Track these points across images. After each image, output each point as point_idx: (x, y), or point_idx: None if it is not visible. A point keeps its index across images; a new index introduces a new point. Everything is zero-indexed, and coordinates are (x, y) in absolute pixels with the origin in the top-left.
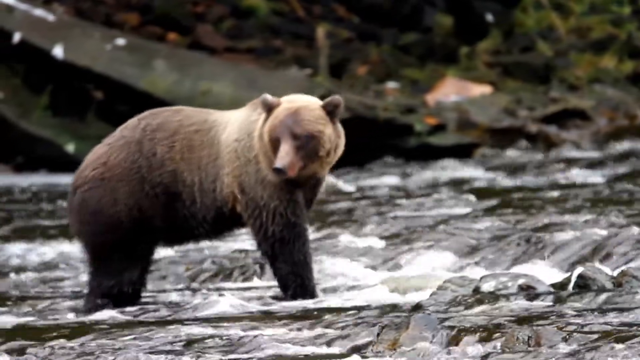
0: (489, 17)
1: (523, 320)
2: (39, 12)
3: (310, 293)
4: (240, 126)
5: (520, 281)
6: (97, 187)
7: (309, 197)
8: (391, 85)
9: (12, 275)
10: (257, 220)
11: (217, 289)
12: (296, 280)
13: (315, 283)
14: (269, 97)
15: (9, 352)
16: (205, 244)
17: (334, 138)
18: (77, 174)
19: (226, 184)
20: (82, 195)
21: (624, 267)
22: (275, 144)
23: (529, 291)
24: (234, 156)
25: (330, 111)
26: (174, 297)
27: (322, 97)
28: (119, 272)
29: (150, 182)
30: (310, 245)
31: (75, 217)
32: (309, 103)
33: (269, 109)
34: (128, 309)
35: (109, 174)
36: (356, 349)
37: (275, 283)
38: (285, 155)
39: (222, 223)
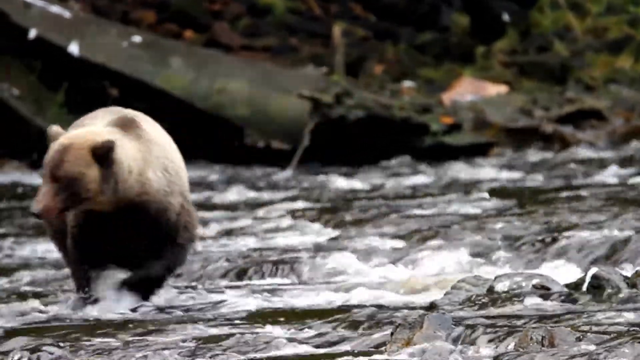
0: (506, 17)
1: (537, 320)
2: (55, 8)
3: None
4: None
5: (535, 281)
6: None
7: (128, 226)
8: (407, 84)
9: (27, 271)
10: None
11: (231, 288)
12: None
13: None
14: (54, 128)
15: (25, 350)
16: (219, 242)
17: (101, 179)
18: None
19: None
20: None
21: (638, 268)
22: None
23: (543, 291)
24: None
25: (100, 155)
26: (188, 295)
27: (337, 96)
28: None
29: None
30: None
31: None
32: (76, 140)
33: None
34: (141, 308)
35: None
36: (370, 348)
37: (289, 281)
38: (41, 199)
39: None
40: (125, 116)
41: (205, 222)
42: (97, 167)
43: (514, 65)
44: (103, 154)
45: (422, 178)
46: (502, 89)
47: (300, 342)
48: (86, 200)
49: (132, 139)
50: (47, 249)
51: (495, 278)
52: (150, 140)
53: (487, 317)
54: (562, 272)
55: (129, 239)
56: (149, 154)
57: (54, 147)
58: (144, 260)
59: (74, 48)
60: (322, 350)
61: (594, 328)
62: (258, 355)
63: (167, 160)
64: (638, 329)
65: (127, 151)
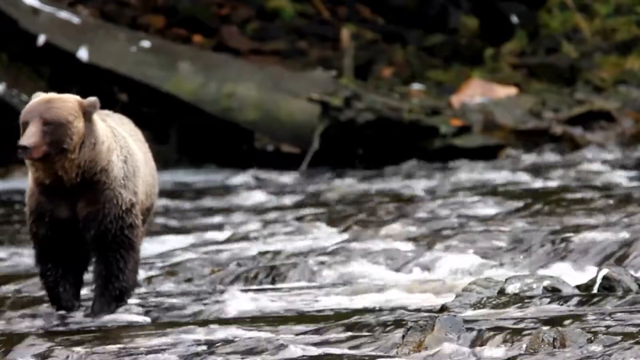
0: (514, 19)
1: (548, 321)
2: (64, 14)
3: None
4: None
5: (545, 283)
6: None
7: (85, 211)
8: (416, 86)
9: (36, 277)
10: None
11: (242, 291)
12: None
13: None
14: (38, 93)
15: (35, 356)
16: (230, 245)
17: (83, 134)
18: None
19: None
20: None
21: None
22: (24, 127)
23: (554, 293)
24: None
25: (86, 111)
26: (198, 299)
27: (347, 99)
28: None
29: None
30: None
31: None
32: (64, 96)
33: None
34: (152, 312)
35: None
36: (381, 351)
37: (299, 284)
38: (31, 135)
39: None
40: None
41: (216, 226)
42: (83, 121)
43: (523, 67)
44: (90, 110)
45: (432, 180)
46: (512, 90)
47: (311, 345)
48: (65, 152)
49: (102, 121)
50: None
51: (506, 280)
52: (116, 129)
53: (498, 319)
54: (573, 273)
55: (79, 225)
56: (114, 141)
57: (41, 97)
58: (96, 254)
59: (82, 53)
60: (332, 354)
61: (605, 329)
62: (268, 358)
63: (129, 155)
64: None
65: (101, 124)
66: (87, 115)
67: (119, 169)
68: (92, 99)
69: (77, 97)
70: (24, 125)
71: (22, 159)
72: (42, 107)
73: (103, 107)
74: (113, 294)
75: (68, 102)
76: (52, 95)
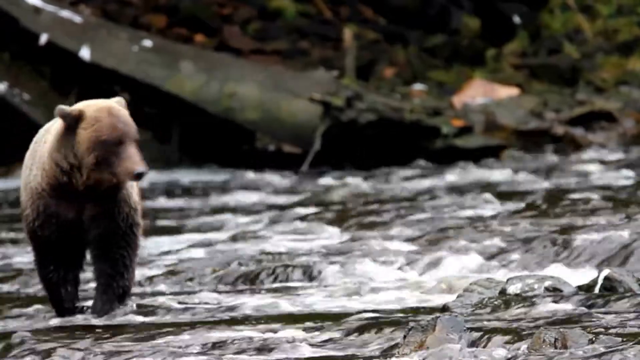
0: (516, 19)
1: (549, 322)
2: (65, 13)
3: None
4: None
5: (547, 283)
6: None
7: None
8: (418, 87)
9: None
10: None
11: (243, 291)
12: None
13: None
14: (62, 107)
15: (35, 356)
16: (232, 246)
17: None
18: None
19: None
20: None
21: None
22: (111, 148)
23: (555, 293)
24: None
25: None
26: (200, 299)
27: (348, 99)
28: None
29: None
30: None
31: None
32: (117, 105)
33: (78, 117)
34: (152, 312)
35: None
36: (382, 351)
37: (301, 284)
38: (141, 161)
39: None
40: None
41: (217, 226)
42: None
43: (524, 68)
44: None
45: (433, 181)
46: (513, 91)
47: (312, 345)
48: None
49: None
50: None
51: (508, 280)
52: None
53: (500, 320)
54: (574, 274)
55: (83, 225)
56: None
57: (120, 111)
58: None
59: (84, 53)
60: (334, 353)
61: (607, 330)
62: (269, 357)
63: None
64: None
65: None
66: None
67: None
68: (119, 99)
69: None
70: (115, 144)
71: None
72: (131, 126)
73: None
74: (117, 292)
75: (126, 113)
76: (117, 106)
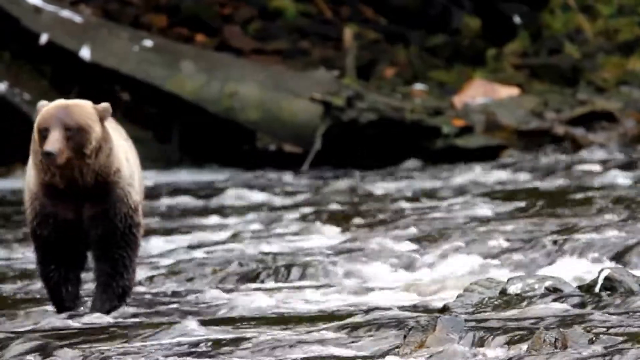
0: (517, 19)
1: (550, 322)
2: (66, 13)
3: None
4: None
5: (547, 283)
6: None
7: (90, 213)
8: (418, 87)
9: (37, 277)
10: None
11: (244, 291)
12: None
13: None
14: (43, 102)
15: (35, 354)
16: (232, 246)
17: (101, 139)
18: None
19: None
20: None
21: None
22: (44, 134)
23: (555, 293)
24: None
25: (102, 116)
26: (200, 298)
27: (349, 99)
28: None
29: None
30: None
31: None
32: (80, 101)
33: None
34: (153, 311)
35: None
36: (382, 351)
37: (301, 284)
38: (55, 141)
39: None
40: None
41: (218, 226)
42: (100, 126)
43: (525, 68)
44: (105, 116)
45: (434, 181)
46: (514, 91)
47: (313, 345)
48: (84, 157)
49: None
50: None
51: (508, 280)
52: (116, 129)
53: (500, 320)
54: (575, 273)
55: (83, 225)
56: (117, 141)
57: (57, 103)
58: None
59: (85, 52)
60: (334, 353)
61: (607, 330)
62: (269, 357)
63: (126, 153)
64: None
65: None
66: (102, 120)
67: (126, 167)
68: (105, 104)
69: (91, 103)
70: (42, 131)
71: (49, 164)
72: (62, 112)
73: None
74: (117, 292)
75: (86, 108)
76: (68, 101)
